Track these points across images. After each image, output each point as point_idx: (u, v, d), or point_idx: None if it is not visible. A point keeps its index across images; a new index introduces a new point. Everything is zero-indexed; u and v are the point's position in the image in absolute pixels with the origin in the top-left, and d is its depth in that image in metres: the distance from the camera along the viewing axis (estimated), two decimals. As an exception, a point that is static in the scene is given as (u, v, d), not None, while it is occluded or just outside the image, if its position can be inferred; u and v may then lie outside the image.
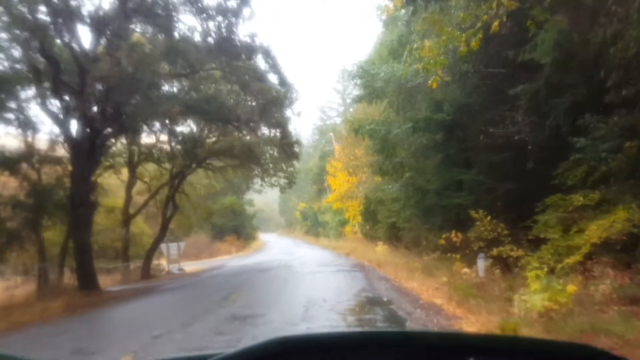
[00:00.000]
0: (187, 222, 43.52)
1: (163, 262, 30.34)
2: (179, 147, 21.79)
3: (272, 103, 20.49)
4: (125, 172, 23.40)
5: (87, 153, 16.78)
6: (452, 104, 13.47)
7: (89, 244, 17.48)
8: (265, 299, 12.58)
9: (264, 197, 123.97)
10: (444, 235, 13.51)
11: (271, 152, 23.40)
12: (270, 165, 23.75)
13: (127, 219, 22.73)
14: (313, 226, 58.90)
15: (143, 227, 30.35)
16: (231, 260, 35.43)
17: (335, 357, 1.13)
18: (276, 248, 49.29)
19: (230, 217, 51.99)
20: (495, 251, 11.05)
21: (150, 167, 24.45)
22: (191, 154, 21.21)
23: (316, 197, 57.37)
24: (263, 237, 71.00)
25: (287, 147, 21.88)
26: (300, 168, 78.81)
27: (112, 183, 22.84)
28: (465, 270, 11.60)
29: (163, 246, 30.00)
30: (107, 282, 19.43)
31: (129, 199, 22.88)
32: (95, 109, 17.43)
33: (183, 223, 48.79)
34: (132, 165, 23.05)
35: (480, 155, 13.33)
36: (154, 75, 17.85)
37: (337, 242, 37.36)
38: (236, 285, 16.73)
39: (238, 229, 52.60)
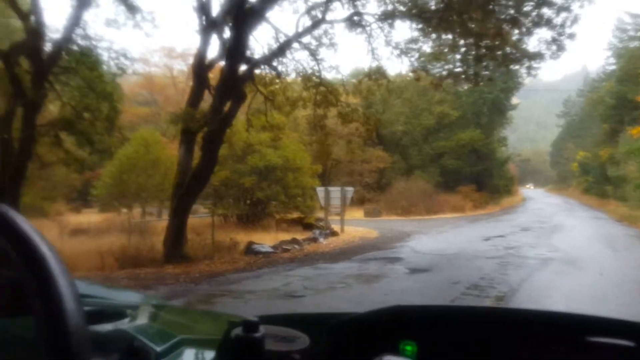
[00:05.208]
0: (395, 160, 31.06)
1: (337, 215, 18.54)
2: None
3: None
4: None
5: None
6: None
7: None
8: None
9: (532, 144, 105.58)
10: None
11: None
12: None
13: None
14: (597, 182, 40.18)
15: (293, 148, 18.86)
16: (448, 224, 21.65)
17: (449, 331, 0.98)
18: (533, 209, 33.15)
19: (470, 159, 37.29)
20: None
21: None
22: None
23: (607, 141, 38.23)
24: (525, 192, 58.50)
25: None
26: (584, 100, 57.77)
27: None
28: None
29: (319, 191, 18.19)
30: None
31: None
32: None
33: (400, 164, 36.40)
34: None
35: None
36: None
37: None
38: None
39: (481, 177, 37.53)
